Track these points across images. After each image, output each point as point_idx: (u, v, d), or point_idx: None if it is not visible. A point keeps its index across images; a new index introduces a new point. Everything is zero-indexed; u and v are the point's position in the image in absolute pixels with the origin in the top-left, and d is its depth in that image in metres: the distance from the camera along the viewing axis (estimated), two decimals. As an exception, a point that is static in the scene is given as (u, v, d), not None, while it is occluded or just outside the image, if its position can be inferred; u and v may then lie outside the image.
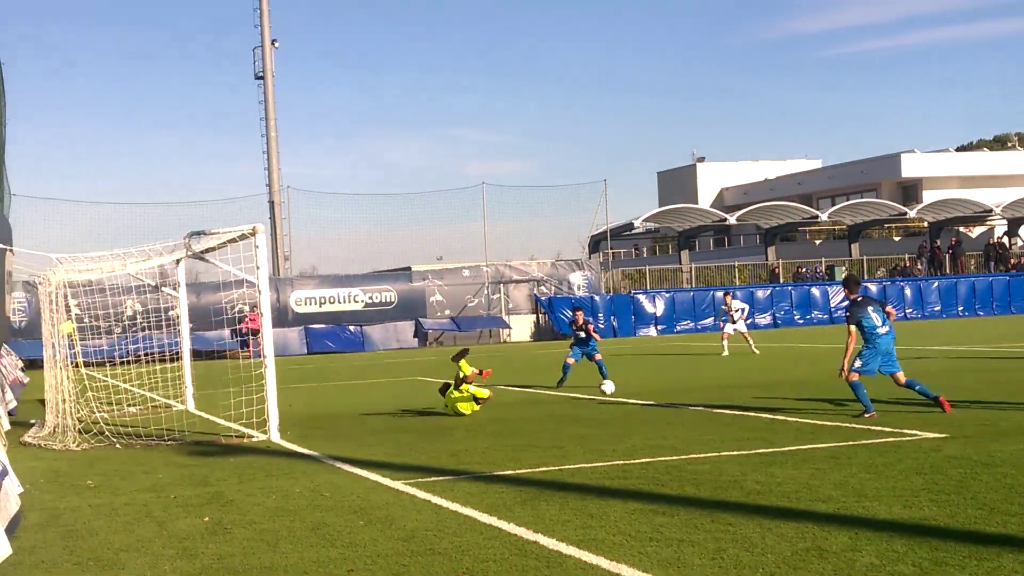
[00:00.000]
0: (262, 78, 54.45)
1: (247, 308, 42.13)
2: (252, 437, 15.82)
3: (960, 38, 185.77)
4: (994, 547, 7.56)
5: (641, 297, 50.83)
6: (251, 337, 37.79)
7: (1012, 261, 57.39)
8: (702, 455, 12.39)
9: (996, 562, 7.17)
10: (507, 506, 9.85)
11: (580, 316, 22.33)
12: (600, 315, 48.39)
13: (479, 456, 13.15)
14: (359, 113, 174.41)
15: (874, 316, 15.04)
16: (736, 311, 31.04)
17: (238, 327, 42.29)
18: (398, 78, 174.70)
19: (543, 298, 50.90)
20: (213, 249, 17.18)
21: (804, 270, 56.14)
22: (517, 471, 11.83)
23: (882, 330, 15.02)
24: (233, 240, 16.33)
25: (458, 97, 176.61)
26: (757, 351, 30.32)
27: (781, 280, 54.54)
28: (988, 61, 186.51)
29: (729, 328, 30.86)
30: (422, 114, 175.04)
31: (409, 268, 52.59)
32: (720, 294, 42.85)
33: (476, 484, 11.13)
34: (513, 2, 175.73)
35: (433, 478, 11.59)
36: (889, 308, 15.66)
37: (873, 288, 48.63)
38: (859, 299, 15.30)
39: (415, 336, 49.01)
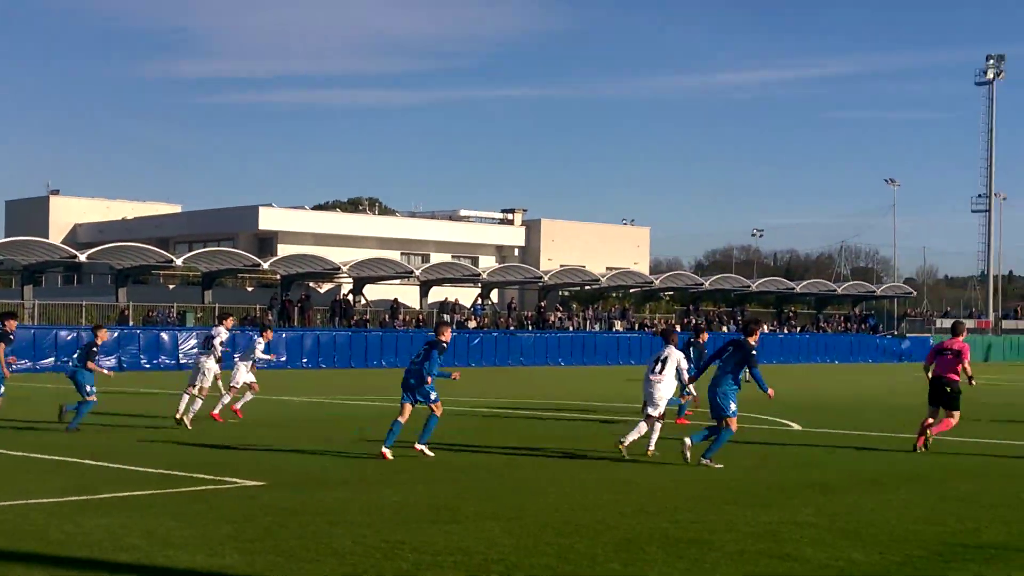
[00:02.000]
0: None
1: None
2: None
3: (322, 102, 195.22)
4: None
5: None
6: None
7: (355, 317, 60.70)
8: (6, 503, 11.60)
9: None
10: None
11: None
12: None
13: None
14: None
15: None
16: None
17: None
18: None
19: None
20: None
21: (155, 314, 55.44)
22: None
23: None
24: None
25: None
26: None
27: (131, 323, 53.42)
28: (348, 125, 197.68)
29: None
30: None
31: None
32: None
33: None
34: None
35: None
36: None
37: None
38: None
39: None
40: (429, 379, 15.80)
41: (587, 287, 75.21)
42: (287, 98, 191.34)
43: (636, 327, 71.67)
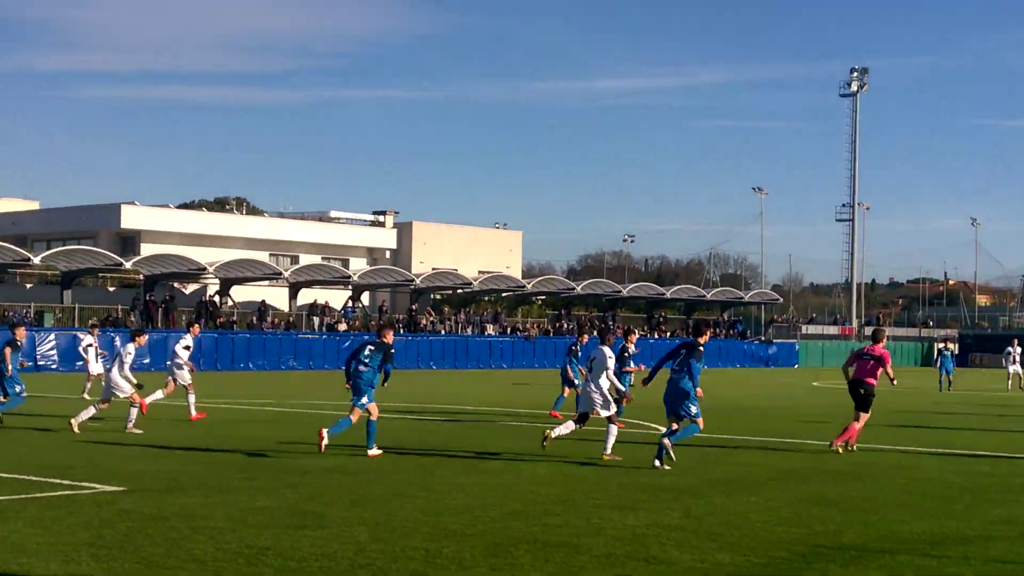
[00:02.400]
0: None
1: None
2: None
3: (189, 99, 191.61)
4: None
5: None
6: None
7: (221, 319, 59.65)
8: None
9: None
10: None
11: None
12: None
13: None
14: None
15: None
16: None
17: None
18: None
19: None
20: None
21: (12, 314, 53.68)
22: None
23: None
24: None
25: None
26: None
27: (-14, 323, 51.64)
28: (215, 123, 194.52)
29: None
30: None
31: None
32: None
33: None
34: None
35: None
36: None
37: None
38: None
39: None
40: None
41: (459, 290, 75.18)
42: (152, 94, 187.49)
43: (508, 331, 71.88)
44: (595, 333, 17.28)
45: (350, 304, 69.13)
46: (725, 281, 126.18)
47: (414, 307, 69.26)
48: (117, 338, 43.93)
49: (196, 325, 24.21)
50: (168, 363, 23.48)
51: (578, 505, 12.25)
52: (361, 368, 16.64)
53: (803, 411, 26.98)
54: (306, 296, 68.48)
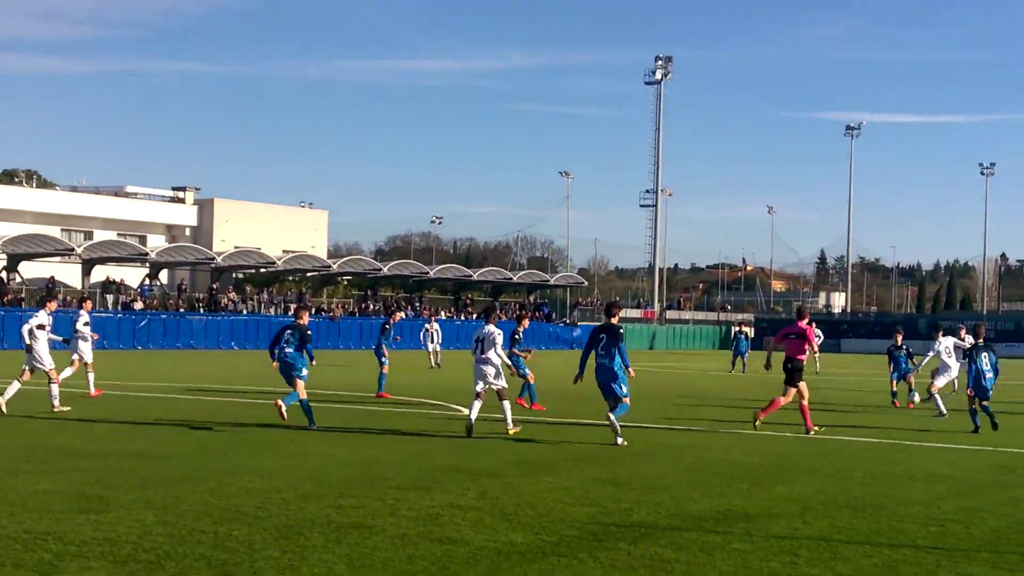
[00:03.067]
0: None
1: None
2: None
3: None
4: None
5: None
6: None
7: (9, 296, 57.13)
8: None
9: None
10: None
11: None
12: None
13: None
14: None
15: None
16: None
17: None
18: None
19: None
20: None
21: None
22: None
23: None
24: None
25: None
26: None
27: None
28: (3, 92, 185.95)
29: None
30: None
31: None
32: None
33: None
34: None
35: None
36: None
37: None
38: None
39: None
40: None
41: (263, 270, 73.92)
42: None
43: (313, 311, 71.04)
44: (481, 315, 18.61)
45: (147, 282, 67.18)
46: (532, 264, 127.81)
47: (215, 286, 67.76)
48: None
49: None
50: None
51: (374, 486, 12.14)
52: (287, 350, 18.00)
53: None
54: (100, 273, 66.18)
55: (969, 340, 22.70)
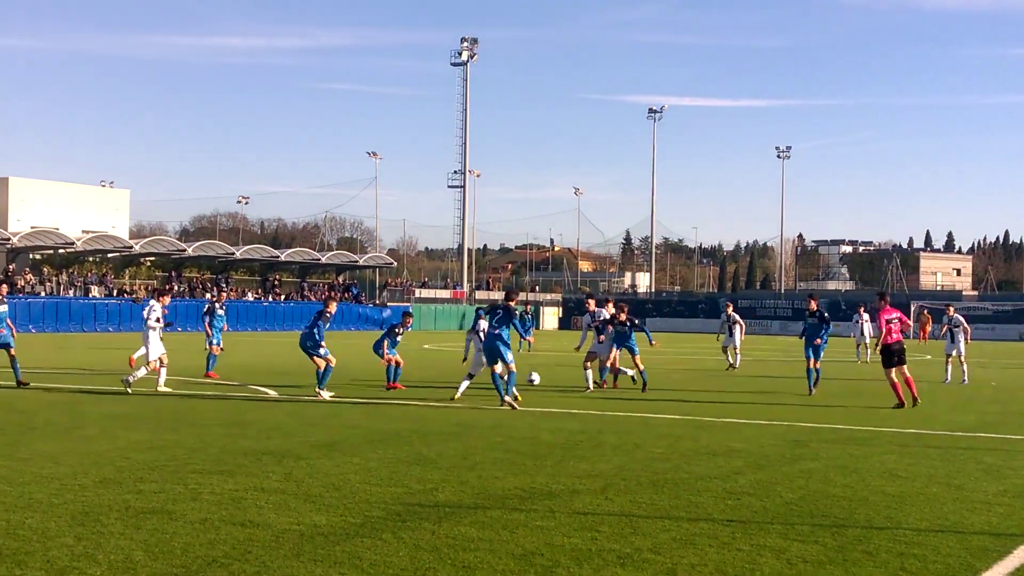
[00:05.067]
0: None
1: None
2: None
3: None
4: None
5: None
6: None
7: None
8: None
9: None
10: None
11: None
12: None
13: None
14: None
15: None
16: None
17: None
18: None
19: None
20: None
21: None
22: None
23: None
24: None
25: None
26: None
27: None
28: None
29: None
30: None
31: None
32: None
33: None
34: None
35: None
36: None
37: None
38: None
39: None
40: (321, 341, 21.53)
41: (61, 251, 71.31)
42: None
43: (115, 293, 68.91)
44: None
45: (-64, 263, 64.06)
46: (341, 245, 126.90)
47: (11, 267, 65.10)
48: None
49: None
50: None
51: (175, 471, 11.92)
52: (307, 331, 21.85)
53: (408, 374, 27.46)
54: None
55: (606, 314, 24.82)
